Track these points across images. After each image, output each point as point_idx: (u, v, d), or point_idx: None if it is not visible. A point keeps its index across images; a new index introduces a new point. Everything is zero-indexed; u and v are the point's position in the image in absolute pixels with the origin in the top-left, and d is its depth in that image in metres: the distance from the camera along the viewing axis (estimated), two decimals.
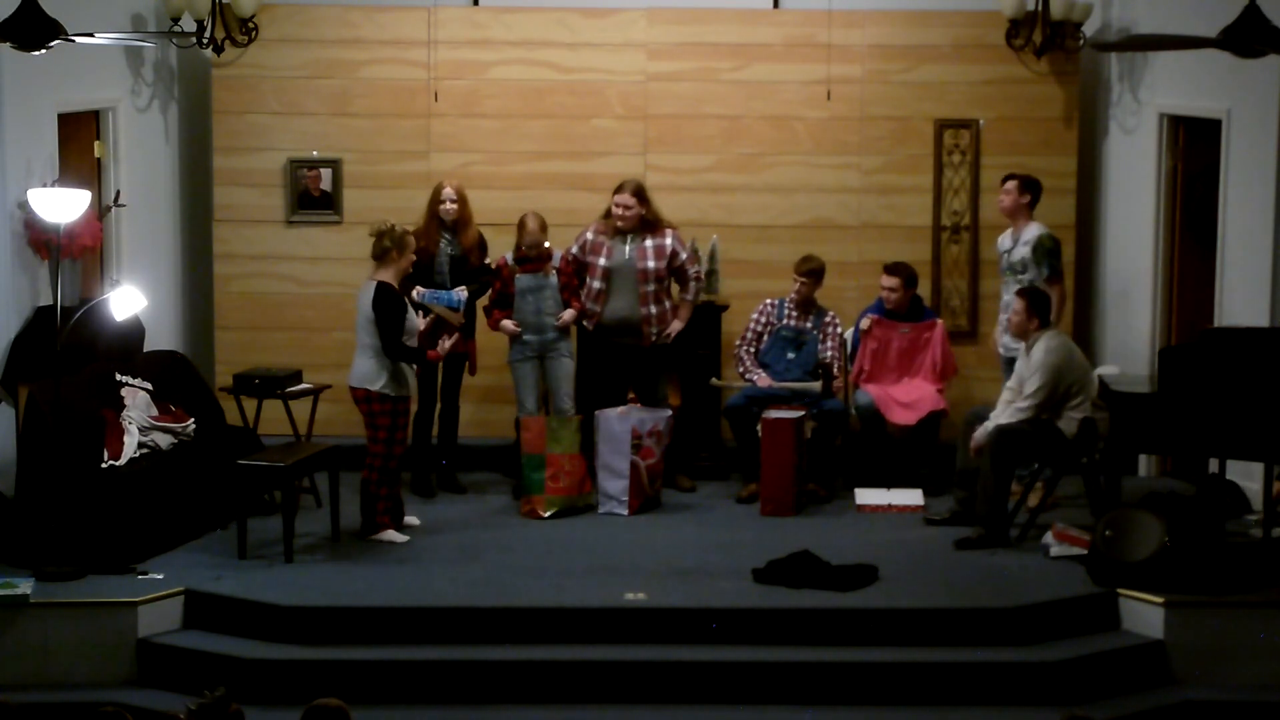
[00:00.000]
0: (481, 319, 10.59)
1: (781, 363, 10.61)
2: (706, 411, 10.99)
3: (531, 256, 10.38)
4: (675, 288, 10.64)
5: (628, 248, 10.47)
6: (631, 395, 10.53)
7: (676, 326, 10.60)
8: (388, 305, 9.35)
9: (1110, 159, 11.46)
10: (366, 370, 9.45)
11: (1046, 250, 10.14)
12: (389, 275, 9.44)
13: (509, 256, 10.44)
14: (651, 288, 10.47)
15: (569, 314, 10.37)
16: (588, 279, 10.51)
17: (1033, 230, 10.24)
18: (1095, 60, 11.54)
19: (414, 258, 9.66)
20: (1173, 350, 9.55)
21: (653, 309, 10.49)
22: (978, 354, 11.27)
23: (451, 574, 8.98)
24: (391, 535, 9.57)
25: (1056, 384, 9.44)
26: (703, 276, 10.74)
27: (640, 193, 10.46)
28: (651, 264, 10.46)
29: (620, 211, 10.43)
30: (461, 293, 10.22)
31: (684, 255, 10.54)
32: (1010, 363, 10.16)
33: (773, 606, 8.57)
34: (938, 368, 10.55)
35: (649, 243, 10.47)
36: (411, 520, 9.79)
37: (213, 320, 11.55)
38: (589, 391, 10.59)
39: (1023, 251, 10.20)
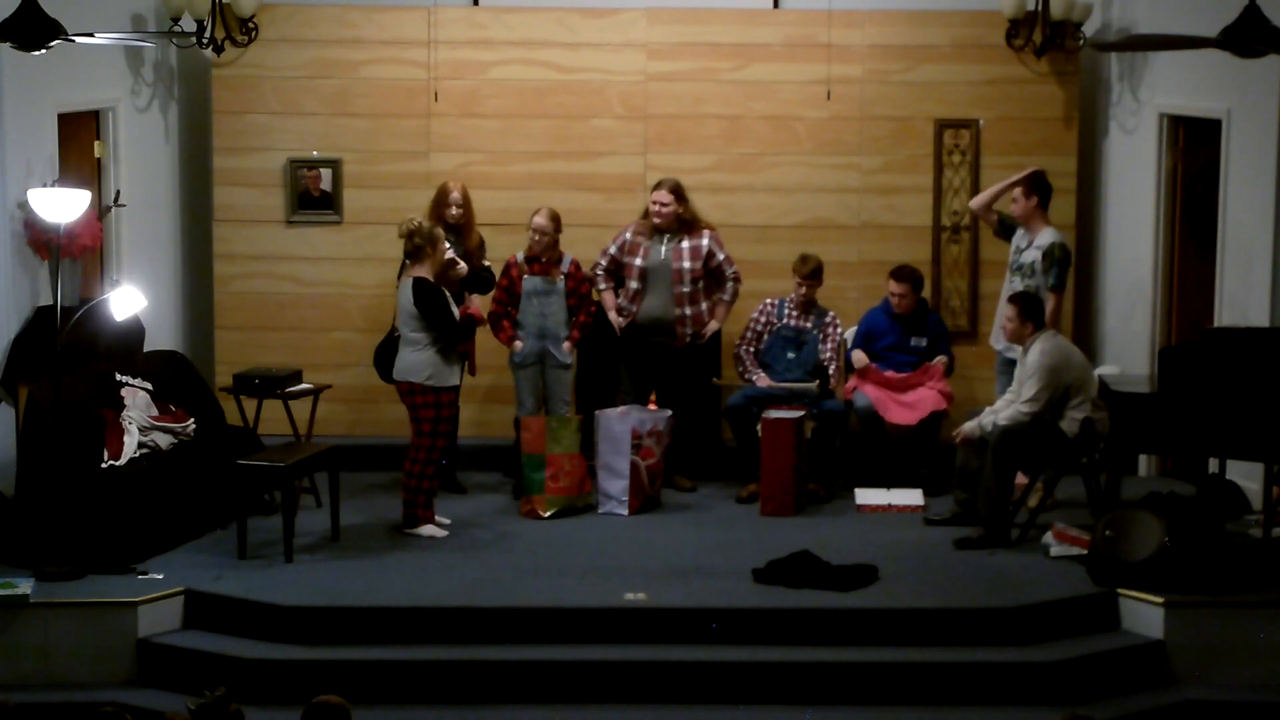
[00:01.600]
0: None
1: (781, 363, 10.61)
2: (706, 411, 10.99)
3: (538, 256, 10.37)
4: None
5: (664, 248, 10.47)
6: (653, 396, 10.53)
7: (713, 327, 10.61)
8: (430, 298, 9.41)
9: (1110, 159, 11.46)
10: (410, 363, 9.49)
11: (1056, 259, 10.12)
12: (425, 271, 9.51)
13: (520, 255, 10.44)
14: (687, 288, 10.47)
15: (567, 346, 10.37)
16: (625, 279, 10.52)
17: (1046, 236, 10.21)
18: (1095, 60, 11.54)
19: (446, 247, 9.71)
20: (1173, 350, 9.55)
21: (688, 310, 10.49)
22: (977, 354, 11.25)
23: (451, 574, 8.98)
24: (432, 530, 9.60)
25: (1054, 386, 9.44)
26: (740, 277, 10.72)
27: (678, 190, 10.47)
28: (687, 264, 10.46)
29: (657, 209, 10.44)
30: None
31: (720, 256, 10.54)
32: (1008, 363, 10.18)
33: (773, 606, 8.57)
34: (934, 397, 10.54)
35: (685, 243, 10.47)
36: (442, 520, 9.78)
37: (213, 320, 11.54)
38: (617, 389, 10.59)
39: (1033, 255, 10.18)
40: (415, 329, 9.46)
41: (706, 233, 10.55)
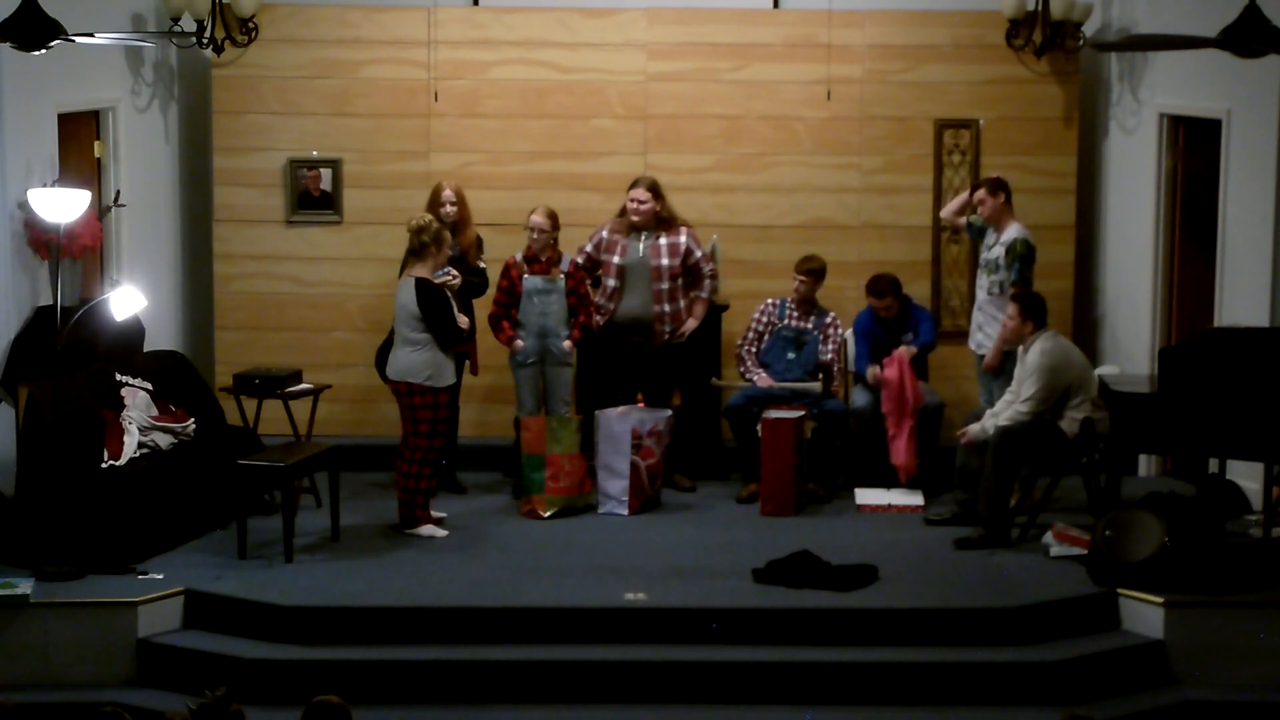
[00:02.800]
0: (482, 322, 10.55)
1: (782, 363, 10.61)
2: (706, 411, 10.99)
3: (537, 256, 10.36)
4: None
5: (641, 245, 10.47)
6: (640, 396, 10.52)
7: (691, 325, 10.60)
8: (433, 299, 9.41)
9: (1110, 159, 11.46)
10: (408, 363, 9.47)
11: (1018, 255, 10.11)
12: (425, 270, 9.50)
13: (519, 255, 10.44)
14: (665, 286, 10.47)
15: (568, 345, 10.35)
16: (602, 277, 10.52)
17: (1011, 232, 10.23)
18: (1095, 60, 11.54)
19: (449, 252, 9.71)
20: (1173, 350, 9.55)
21: (666, 307, 10.49)
22: None
23: (451, 574, 8.98)
24: (431, 530, 9.60)
25: (1053, 386, 9.45)
26: (718, 274, 10.72)
27: (655, 188, 10.47)
28: (665, 262, 10.46)
29: (634, 206, 10.43)
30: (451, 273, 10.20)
31: (698, 253, 10.54)
32: (983, 360, 10.19)
33: (773, 606, 8.57)
34: (909, 397, 10.40)
35: (663, 240, 10.47)
36: (441, 519, 9.77)
37: (213, 320, 11.55)
38: (598, 390, 10.59)
39: (998, 251, 10.22)
40: (416, 329, 9.45)
41: (684, 230, 10.55)
